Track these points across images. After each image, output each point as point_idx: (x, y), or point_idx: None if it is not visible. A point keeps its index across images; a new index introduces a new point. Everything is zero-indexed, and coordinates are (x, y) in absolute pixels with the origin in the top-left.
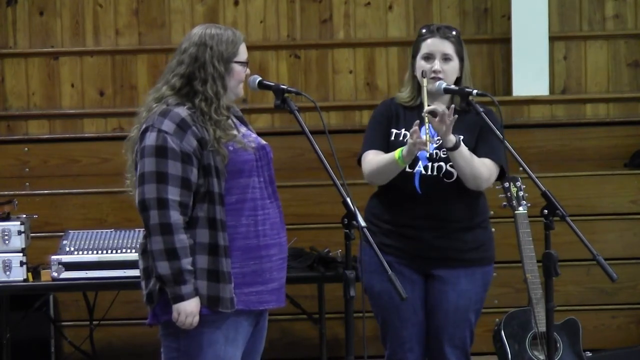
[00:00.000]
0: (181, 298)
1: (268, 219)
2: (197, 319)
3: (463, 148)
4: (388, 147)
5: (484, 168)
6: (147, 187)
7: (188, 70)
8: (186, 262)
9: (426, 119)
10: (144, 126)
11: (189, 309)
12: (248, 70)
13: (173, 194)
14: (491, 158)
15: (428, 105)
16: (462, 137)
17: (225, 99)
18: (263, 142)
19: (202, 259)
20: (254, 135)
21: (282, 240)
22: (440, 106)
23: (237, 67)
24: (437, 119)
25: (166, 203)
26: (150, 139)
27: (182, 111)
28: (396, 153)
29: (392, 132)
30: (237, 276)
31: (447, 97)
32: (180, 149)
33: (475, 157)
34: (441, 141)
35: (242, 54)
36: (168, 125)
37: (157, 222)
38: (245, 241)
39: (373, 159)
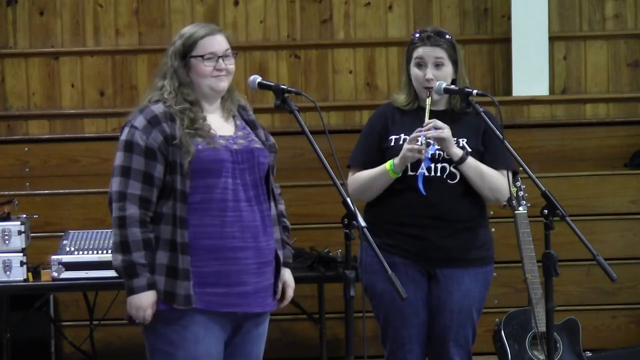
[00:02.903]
0: (132, 291)
1: (239, 222)
2: (149, 312)
3: (470, 161)
4: (381, 156)
5: (501, 180)
6: (114, 180)
7: (162, 70)
8: (138, 256)
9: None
10: (125, 122)
11: (138, 302)
12: (224, 65)
13: (134, 188)
14: (504, 168)
15: (429, 122)
16: (465, 140)
17: (190, 91)
18: (255, 145)
19: (162, 254)
20: (251, 138)
21: (261, 245)
22: (437, 123)
23: (194, 62)
24: (435, 134)
25: (125, 197)
26: (123, 134)
27: (157, 108)
28: (387, 164)
29: (390, 139)
30: (197, 275)
31: (446, 97)
32: (146, 145)
33: (487, 169)
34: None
35: (202, 48)
36: (139, 121)
37: (116, 216)
38: (209, 241)
39: (358, 176)
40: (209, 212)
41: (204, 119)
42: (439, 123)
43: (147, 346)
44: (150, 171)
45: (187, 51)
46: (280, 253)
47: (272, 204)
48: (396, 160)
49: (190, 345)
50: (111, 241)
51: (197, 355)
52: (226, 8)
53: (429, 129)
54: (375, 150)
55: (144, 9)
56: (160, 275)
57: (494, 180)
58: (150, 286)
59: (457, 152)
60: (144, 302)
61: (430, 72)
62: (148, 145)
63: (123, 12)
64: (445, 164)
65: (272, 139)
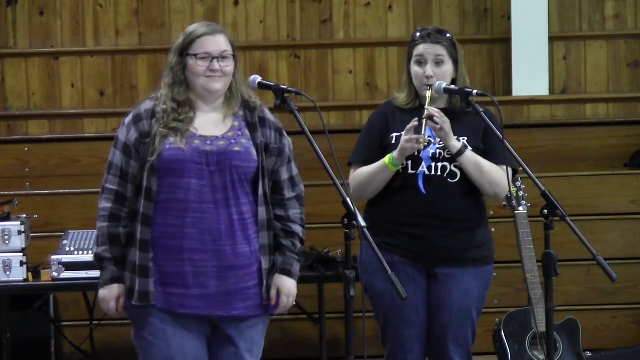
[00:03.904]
0: (99, 284)
1: (200, 224)
2: (112, 305)
3: (469, 154)
4: (382, 154)
5: (500, 174)
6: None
7: (165, 66)
8: (103, 250)
9: (424, 122)
10: None
11: (102, 295)
12: (218, 66)
13: (111, 183)
14: (504, 163)
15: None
16: (466, 138)
17: (183, 90)
18: (235, 149)
19: (132, 251)
20: (237, 140)
21: (223, 248)
22: (436, 110)
23: (189, 60)
24: (438, 126)
25: (103, 191)
26: None
27: (145, 105)
28: (386, 158)
29: (392, 137)
30: (160, 274)
31: (446, 97)
32: (125, 141)
33: (487, 163)
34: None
35: (197, 47)
36: (128, 119)
37: (97, 209)
38: (170, 241)
39: (359, 172)
40: (171, 212)
41: (190, 119)
42: (436, 113)
43: None
44: (125, 167)
45: (184, 49)
46: (264, 259)
47: (264, 208)
48: (395, 153)
49: (161, 343)
50: None
51: (169, 354)
52: (226, 8)
53: (431, 115)
54: (376, 148)
55: (144, 9)
56: (128, 271)
57: (493, 174)
58: (114, 280)
59: (456, 145)
60: (107, 295)
61: (430, 70)
62: (125, 141)
63: (123, 12)
64: (446, 163)
65: (284, 142)
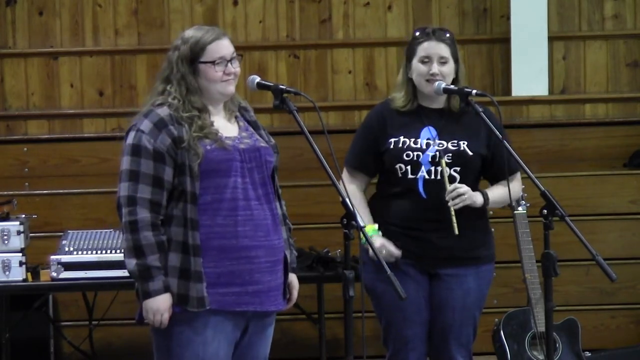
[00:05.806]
0: (148, 294)
1: (251, 221)
2: (166, 316)
3: (490, 197)
4: (378, 159)
5: (513, 191)
6: (122, 185)
7: (165, 74)
8: (153, 259)
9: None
10: (129, 126)
11: (155, 306)
12: (233, 69)
13: (143, 192)
14: (515, 171)
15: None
16: (466, 142)
17: (197, 98)
18: (261, 144)
19: (174, 256)
20: (255, 137)
21: (272, 243)
22: (462, 188)
23: (203, 67)
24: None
25: (135, 201)
26: (129, 138)
27: (163, 111)
28: (371, 228)
29: (390, 142)
30: (211, 276)
31: (443, 97)
32: (154, 148)
33: (503, 191)
34: (443, 144)
35: (211, 53)
36: (146, 125)
37: (127, 220)
38: (221, 241)
39: (352, 191)
40: (220, 212)
41: (212, 123)
42: (460, 189)
43: (154, 343)
44: (160, 174)
45: (195, 57)
46: (287, 253)
47: (278, 203)
48: (377, 243)
49: (198, 346)
50: (123, 246)
51: (204, 357)
52: (225, 8)
53: (453, 197)
54: (371, 152)
55: (143, 9)
56: (173, 277)
57: (511, 195)
58: (167, 289)
59: (480, 201)
60: (162, 305)
61: (435, 67)
62: (156, 148)
63: (122, 12)
64: (446, 168)
65: (273, 140)
